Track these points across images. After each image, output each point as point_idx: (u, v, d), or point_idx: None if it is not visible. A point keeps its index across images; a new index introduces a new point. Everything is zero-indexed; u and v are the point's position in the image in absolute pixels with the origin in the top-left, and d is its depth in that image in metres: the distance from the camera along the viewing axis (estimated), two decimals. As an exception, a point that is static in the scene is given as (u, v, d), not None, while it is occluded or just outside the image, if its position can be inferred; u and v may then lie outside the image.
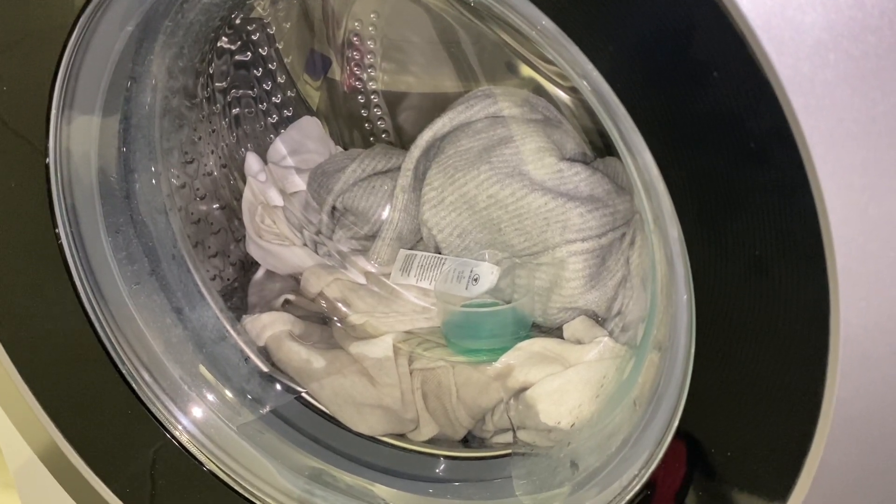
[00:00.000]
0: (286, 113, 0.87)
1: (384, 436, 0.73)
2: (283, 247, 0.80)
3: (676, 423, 0.48)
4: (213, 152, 0.80)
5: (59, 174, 0.62)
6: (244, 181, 0.82)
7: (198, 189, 0.78)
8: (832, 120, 0.37)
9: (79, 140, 0.62)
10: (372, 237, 0.80)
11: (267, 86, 0.85)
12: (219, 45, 0.76)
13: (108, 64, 0.60)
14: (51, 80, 0.57)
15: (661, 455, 0.50)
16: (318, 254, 0.81)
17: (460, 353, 0.72)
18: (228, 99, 0.81)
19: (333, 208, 0.81)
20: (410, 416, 0.72)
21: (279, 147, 0.86)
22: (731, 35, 0.37)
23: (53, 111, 0.58)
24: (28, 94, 0.58)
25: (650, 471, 0.51)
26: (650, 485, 0.51)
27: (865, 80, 0.36)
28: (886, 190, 0.37)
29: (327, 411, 0.74)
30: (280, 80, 0.85)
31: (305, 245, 0.81)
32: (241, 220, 0.82)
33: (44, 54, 0.56)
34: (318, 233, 0.82)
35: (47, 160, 0.60)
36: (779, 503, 0.45)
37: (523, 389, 0.67)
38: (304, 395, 0.74)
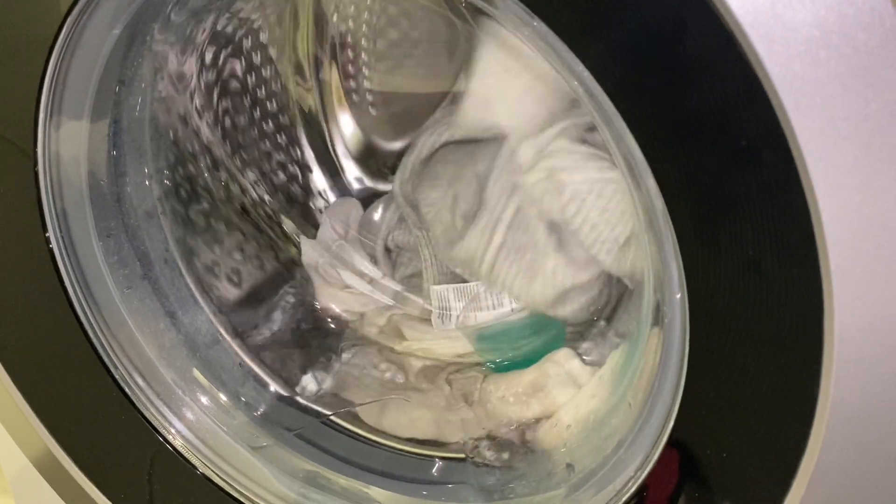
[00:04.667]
0: (281, 119, 0.87)
1: (379, 437, 0.73)
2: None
3: (671, 424, 0.47)
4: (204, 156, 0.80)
5: (48, 179, 0.61)
6: (234, 183, 0.82)
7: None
8: (823, 118, 0.36)
9: (68, 144, 0.62)
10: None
11: (259, 90, 0.84)
12: (208, 48, 0.76)
13: (95, 68, 0.59)
14: (38, 86, 0.56)
15: (656, 456, 0.49)
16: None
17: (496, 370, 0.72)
18: (219, 105, 0.80)
19: (386, 248, 0.82)
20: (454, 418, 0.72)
21: (328, 232, 0.86)
22: (721, 33, 0.37)
23: (41, 116, 0.58)
24: (15, 100, 0.57)
25: (646, 472, 0.51)
26: (645, 487, 0.51)
27: (857, 77, 0.36)
28: (879, 188, 0.37)
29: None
30: (271, 83, 0.85)
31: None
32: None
33: (30, 59, 0.55)
34: (372, 281, 0.82)
35: (36, 167, 0.60)
36: (774, 505, 0.44)
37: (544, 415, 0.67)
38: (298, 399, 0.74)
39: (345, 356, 0.78)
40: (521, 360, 0.71)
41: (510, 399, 0.69)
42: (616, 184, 0.63)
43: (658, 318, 0.51)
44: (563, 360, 0.68)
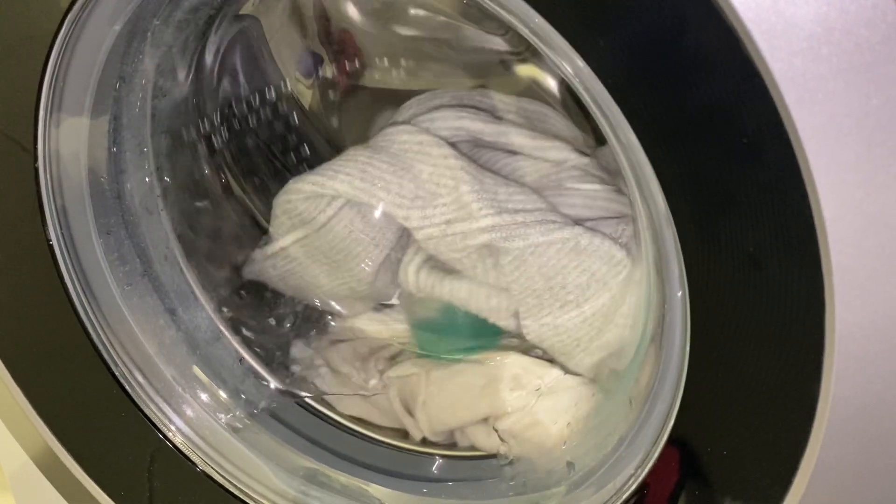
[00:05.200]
0: (279, 115, 0.87)
1: (380, 434, 0.73)
2: None
3: (671, 422, 0.47)
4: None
5: (48, 176, 0.61)
6: (235, 181, 0.81)
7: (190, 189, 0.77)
8: (825, 115, 0.36)
9: (68, 141, 0.61)
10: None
11: (258, 86, 0.84)
12: (207, 44, 0.76)
13: (95, 64, 0.59)
14: (38, 82, 0.56)
15: (656, 454, 0.49)
16: None
17: (432, 350, 0.71)
18: (221, 102, 0.80)
19: None
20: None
21: None
22: (723, 29, 0.36)
23: (41, 113, 0.58)
24: (15, 97, 0.57)
25: (646, 470, 0.51)
26: (646, 485, 0.51)
27: (859, 73, 0.36)
28: (881, 185, 0.37)
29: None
30: (271, 79, 0.85)
31: None
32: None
33: (30, 55, 0.55)
34: None
35: (36, 164, 0.60)
36: None
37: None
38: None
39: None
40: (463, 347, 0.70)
41: (459, 404, 0.68)
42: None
43: (658, 317, 0.51)
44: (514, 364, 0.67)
